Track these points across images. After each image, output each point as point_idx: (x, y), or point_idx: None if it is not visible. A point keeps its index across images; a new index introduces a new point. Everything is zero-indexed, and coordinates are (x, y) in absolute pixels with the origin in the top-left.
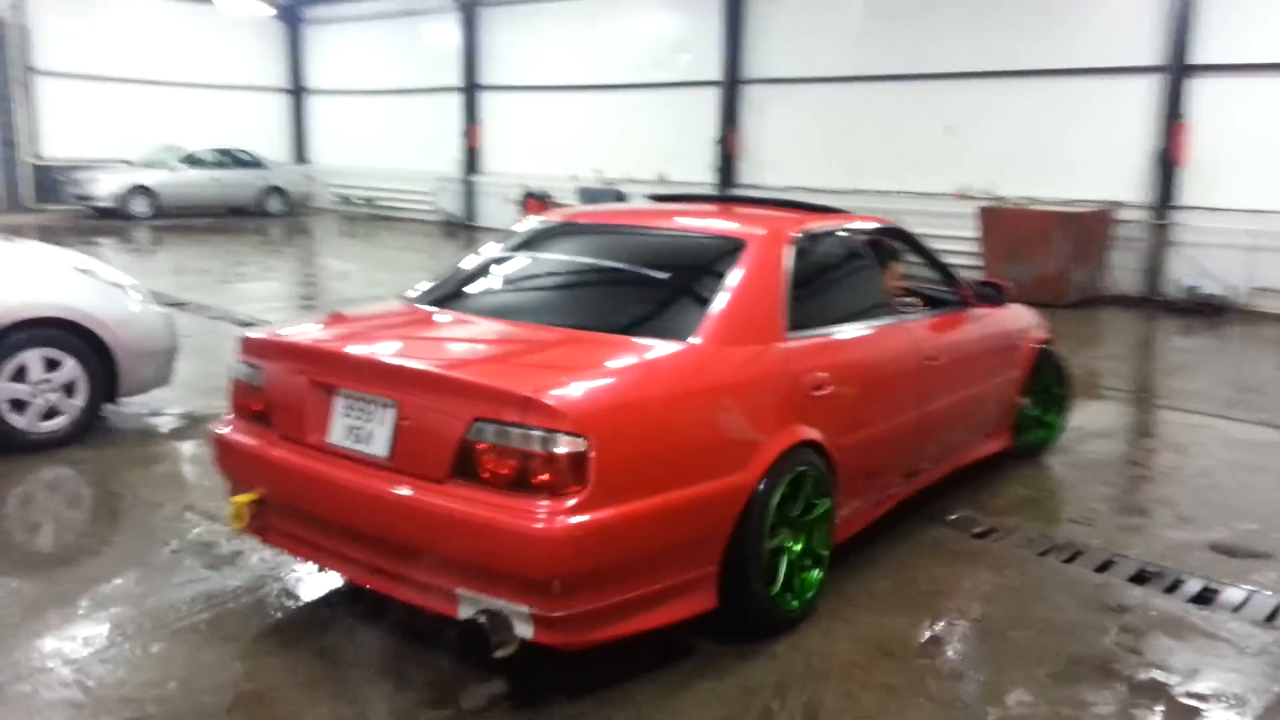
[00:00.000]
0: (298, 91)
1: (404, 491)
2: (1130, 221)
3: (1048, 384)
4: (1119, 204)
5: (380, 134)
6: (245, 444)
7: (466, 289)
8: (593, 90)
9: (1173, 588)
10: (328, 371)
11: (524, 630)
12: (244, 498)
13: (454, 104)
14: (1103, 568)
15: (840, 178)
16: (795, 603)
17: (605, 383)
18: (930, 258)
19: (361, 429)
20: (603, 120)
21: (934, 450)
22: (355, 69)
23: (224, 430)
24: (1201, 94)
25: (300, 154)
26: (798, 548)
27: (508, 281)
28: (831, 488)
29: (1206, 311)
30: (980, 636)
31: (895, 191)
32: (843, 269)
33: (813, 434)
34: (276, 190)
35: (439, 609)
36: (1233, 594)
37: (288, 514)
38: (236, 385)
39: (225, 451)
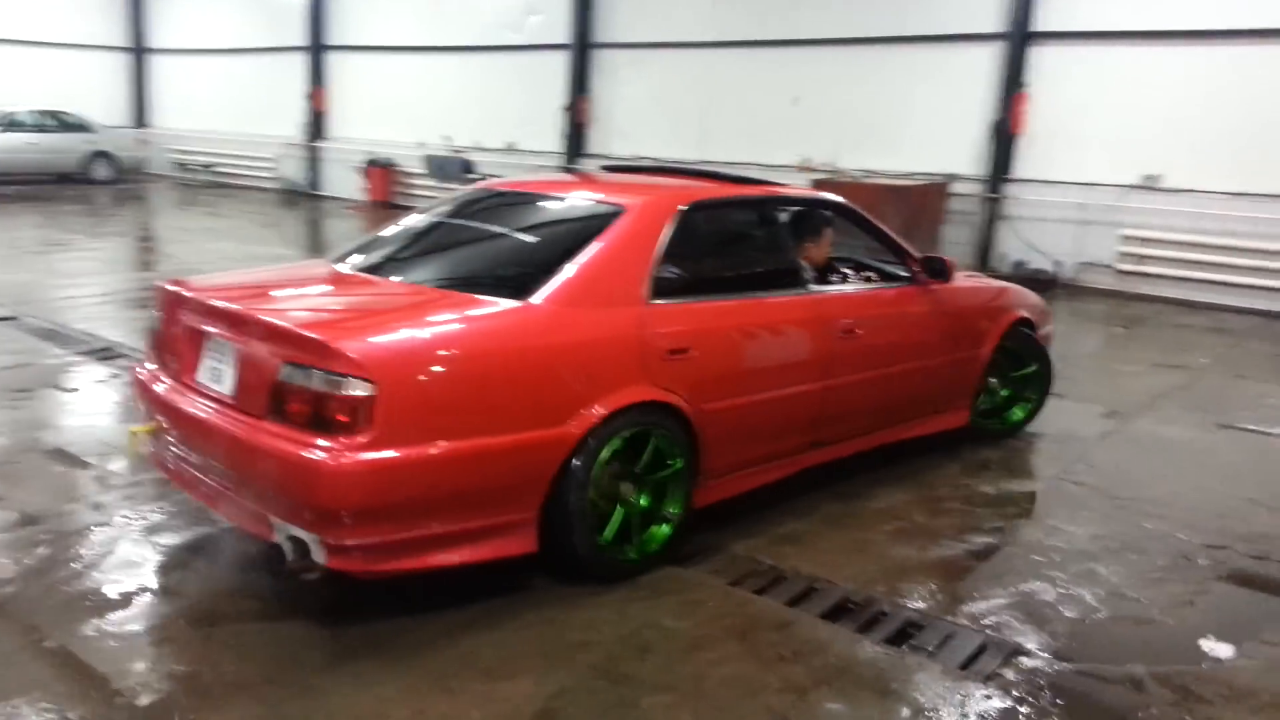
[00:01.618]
0: (139, 51)
1: (233, 427)
2: (966, 195)
3: (1023, 365)
4: (957, 176)
5: (224, 96)
6: (145, 382)
7: (374, 250)
8: (442, 52)
9: (870, 624)
10: (200, 317)
11: (319, 556)
12: (138, 429)
13: (299, 65)
14: (799, 599)
15: (690, 148)
16: (634, 554)
17: (407, 334)
18: (878, 233)
19: (217, 370)
20: (452, 84)
21: (847, 423)
22: (201, 27)
23: (138, 369)
24: (1041, 62)
25: (141, 117)
26: (642, 503)
27: (409, 244)
28: (692, 449)
29: (1035, 286)
30: (609, 707)
31: (744, 163)
32: (742, 239)
33: (665, 395)
34: (105, 155)
35: (261, 534)
36: (936, 630)
37: (171, 447)
38: (150, 330)
39: (136, 388)
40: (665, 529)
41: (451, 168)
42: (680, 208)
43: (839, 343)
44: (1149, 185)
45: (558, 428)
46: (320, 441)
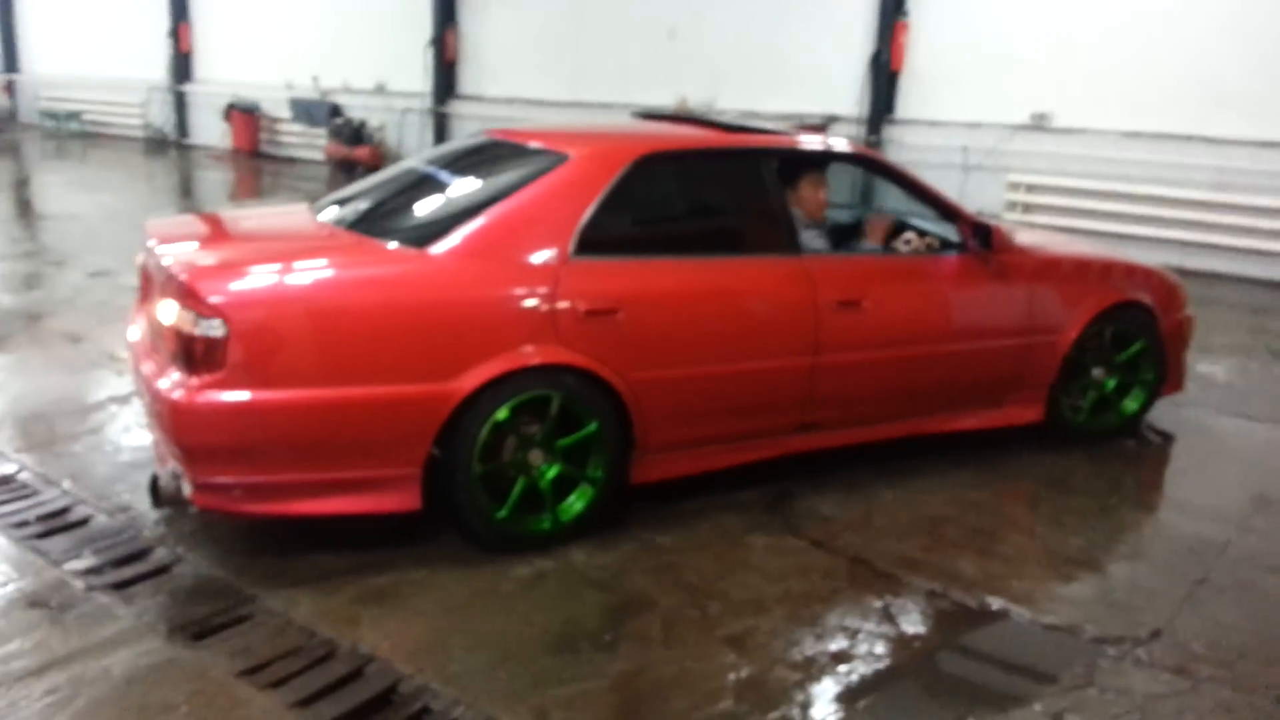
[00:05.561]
0: None
1: (141, 359)
2: (846, 138)
3: (1135, 357)
4: (837, 118)
5: (92, 37)
6: (128, 317)
7: (350, 195)
8: None
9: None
10: (151, 257)
11: (187, 492)
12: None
13: None
14: (327, 691)
15: (563, 88)
16: (547, 524)
17: (272, 278)
18: (918, 190)
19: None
20: (320, 19)
21: (852, 407)
22: None
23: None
24: None
25: (10, 61)
26: (549, 473)
27: (379, 191)
28: (621, 419)
29: None
30: None
31: (619, 104)
32: (715, 194)
33: (579, 359)
34: None
35: (162, 464)
36: None
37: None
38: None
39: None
40: (580, 503)
41: (318, 112)
42: (636, 157)
43: (835, 315)
44: (1038, 125)
45: (437, 384)
46: (180, 378)
